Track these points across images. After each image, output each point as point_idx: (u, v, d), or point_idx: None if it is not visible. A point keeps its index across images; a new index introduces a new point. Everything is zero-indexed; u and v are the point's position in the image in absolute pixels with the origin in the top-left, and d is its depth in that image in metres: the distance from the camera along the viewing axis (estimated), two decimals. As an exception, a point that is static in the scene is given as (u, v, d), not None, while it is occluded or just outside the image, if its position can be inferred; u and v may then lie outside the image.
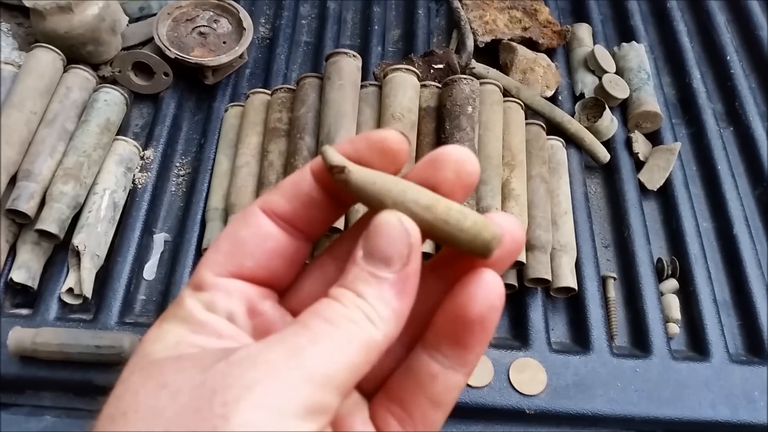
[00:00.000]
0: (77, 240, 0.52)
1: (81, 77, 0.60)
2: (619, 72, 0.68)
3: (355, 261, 0.22)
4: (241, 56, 0.65)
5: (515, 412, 0.48)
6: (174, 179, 0.61)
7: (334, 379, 0.20)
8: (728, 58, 0.73)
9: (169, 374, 0.21)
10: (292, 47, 0.70)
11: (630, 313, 0.56)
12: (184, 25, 0.64)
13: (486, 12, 0.69)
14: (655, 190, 0.62)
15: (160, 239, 0.57)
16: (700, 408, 0.49)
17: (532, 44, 0.68)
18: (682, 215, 0.60)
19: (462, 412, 0.49)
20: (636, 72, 0.68)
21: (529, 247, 0.53)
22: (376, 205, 0.23)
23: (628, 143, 0.64)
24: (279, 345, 0.21)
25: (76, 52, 0.62)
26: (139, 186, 0.58)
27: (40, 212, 0.52)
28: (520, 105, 0.58)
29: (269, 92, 0.58)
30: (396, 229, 0.22)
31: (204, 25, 0.65)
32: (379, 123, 0.53)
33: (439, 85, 0.54)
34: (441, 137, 0.52)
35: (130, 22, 0.68)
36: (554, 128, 0.62)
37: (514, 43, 0.67)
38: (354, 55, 0.54)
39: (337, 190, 0.24)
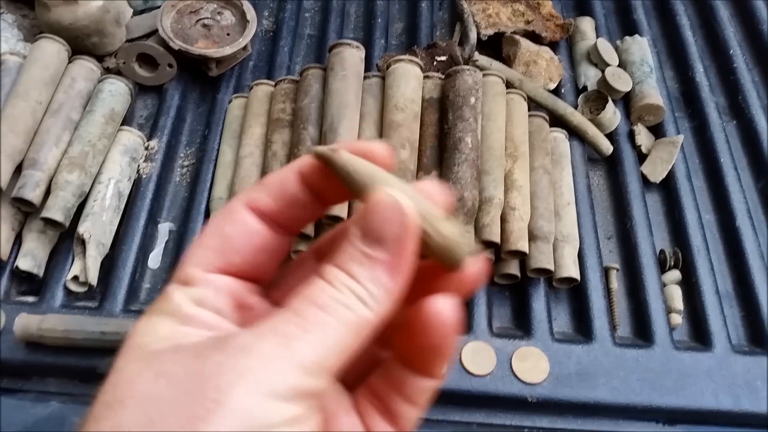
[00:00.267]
0: (82, 228, 0.52)
1: (86, 68, 0.60)
2: (622, 65, 0.68)
3: (349, 240, 0.23)
4: (244, 48, 0.65)
5: (517, 400, 0.49)
6: (178, 170, 0.61)
7: (324, 364, 0.21)
8: (731, 52, 0.73)
9: (167, 363, 0.21)
10: (296, 40, 0.70)
11: (632, 304, 0.56)
12: (188, 17, 0.65)
13: (489, 5, 0.69)
14: (658, 182, 0.62)
15: (164, 228, 0.57)
16: (702, 397, 0.49)
17: (535, 37, 0.69)
18: (685, 207, 0.60)
19: (464, 400, 0.49)
20: (639, 65, 0.68)
21: (532, 237, 0.53)
22: (362, 187, 0.23)
23: (631, 136, 0.64)
24: (271, 334, 0.21)
25: (80, 44, 0.62)
26: (144, 176, 0.58)
27: (46, 201, 0.52)
28: (523, 96, 0.58)
29: (273, 83, 0.59)
30: (392, 209, 0.22)
31: (208, 17, 0.65)
32: (383, 114, 0.53)
33: (442, 76, 0.55)
34: (444, 128, 0.52)
35: (134, 14, 0.68)
36: (557, 120, 0.62)
37: (517, 36, 0.67)
38: (357, 46, 0.55)
39: (321, 188, 0.25)
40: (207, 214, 0.56)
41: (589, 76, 0.68)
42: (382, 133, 0.52)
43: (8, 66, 0.59)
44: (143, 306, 0.53)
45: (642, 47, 0.69)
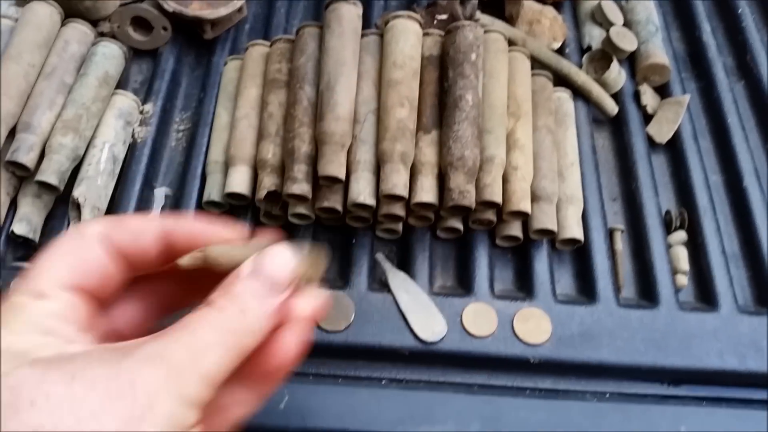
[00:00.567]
0: (77, 192, 0.52)
1: (79, 31, 0.59)
2: (627, 25, 0.67)
3: (240, 277, 0.27)
4: (239, 10, 0.64)
5: (519, 361, 0.48)
6: (174, 134, 0.60)
7: (217, 378, 0.25)
8: (740, 11, 0.71)
9: (77, 366, 0.24)
10: (293, 1, 0.69)
11: (637, 265, 0.55)
12: (182, -21, 0.63)
13: (491, -36, 0.68)
14: (664, 143, 0.61)
15: (160, 193, 0.56)
16: (707, 357, 0.48)
17: (538, -3, 0.67)
18: (691, 168, 0.59)
19: (465, 361, 0.48)
20: (644, 24, 0.66)
21: (535, 198, 0.52)
22: (234, 266, 0.28)
23: (636, 96, 0.63)
24: (178, 346, 0.25)
25: (74, 8, 0.61)
26: (139, 140, 0.57)
27: (40, 165, 0.52)
28: (526, 54, 0.56)
29: (268, 44, 0.57)
30: (287, 257, 0.28)
31: (203, -21, 0.64)
32: (381, 71, 0.52)
33: (443, 33, 0.53)
34: (444, 85, 0.51)
35: (128, -23, 0.67)
36: (561, 80, 0.60)
37: (519, -5, 0.65)
38: (354, 3, 0.53)
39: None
40: (203, 178, 0.55)
41: (594, 35, 0.66)
42: (380, 91, 0.51)
43: (1, 30, 0.57)
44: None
45: (647, 6, 0.68)
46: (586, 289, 0.52)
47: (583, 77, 0.60)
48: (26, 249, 0.53)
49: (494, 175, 0.50)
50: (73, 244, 0.28)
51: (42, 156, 0.52)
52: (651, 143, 0.61)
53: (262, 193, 0.50)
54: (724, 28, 0.72)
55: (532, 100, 0.55)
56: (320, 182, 0.49)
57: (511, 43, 0.57)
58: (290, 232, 0.53)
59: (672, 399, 0.48)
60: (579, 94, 0.61)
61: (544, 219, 0.51)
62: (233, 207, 0.54)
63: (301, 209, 0.51)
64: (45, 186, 0.51)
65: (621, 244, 0.55)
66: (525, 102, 0.54)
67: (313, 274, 0.29)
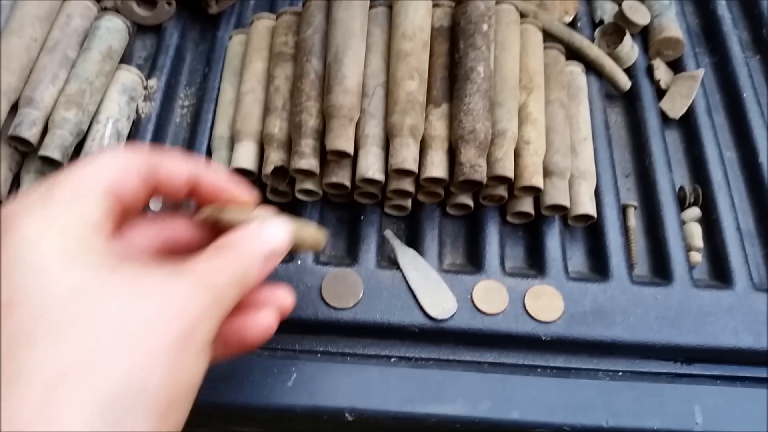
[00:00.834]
0: (81, 168, 0.51)
1: (82, 5, 0.58)
2: (641, -2, 0.65)
3: (247, 233, 0.31)
4: (245, -17, 0.62)
5: (531, 338, 0.47)
6: (178, 110, 0.59)
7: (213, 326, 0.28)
8: (756, -17, 0.69)
9: (133, 278, 0.26)
10: (299, -26, 0.67)
11: (651, 242, 0.54)
12: (186, -49, 0.62)
13: (501, -64, 0.66)
14: (677, 118, 0.60)
15: (165, 170, 0.55)
16: (722, 335, 0.48)
17: (549, -31, 0.65)
18: (705, 143, 0.58)
19: (475, 339, 0.47)
20: (658, -3, 0.64)
21: (547, 173, 0.51)
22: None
23: (650, 71, 0.62)
24: (224, 273, 0.28)
25: (76, -18, 0.60)
26: (143, 116, 0.56)
27: (43, 140, 0.51)
28: (538, 27, 0.55)
29: (274, 17, 0.56)
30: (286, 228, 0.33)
31: (207, -48, 0.62)
32: (390, 44, 0.51)
33: (453, 4, 0.52)
34: (455, 57, 0.50)
35: (130, -50, 0.65)
36: (573, 54, 0.59)
37: (530, -32, 0.63)
38: (363, -27, 0.52)
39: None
40: (208, 154, 0.54)
41: (606, 9, 0.65)
42: (389, 63, 0.50)
43: (1, 2, 0.56)
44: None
45: (661, -21, 0.66)
46: (599, 266, 0.51)
47: (595, 51, 0.59)
48: (30, 226, 0.52)
49: (506, 149, 0.49)
50: (118, 159, 0.30)
51: (45, 131, 0.51)
52: (664, 118, 0.60)
53: (268, 169, 0.49)
54: (739, 1, 0.70)
55: (544, 74, 0.54)
56: (328, 157, 0.48)
57: (522, 16, 0.56)
58: (297, 209, 0.52)
59: (686, 377, 0.48)
60: (591, 68, 0.59)
61: (557, 194, 0.50)
62: (239, 183, 0.53)
63: (309, 185, 0.50)
64: (48, 161, 0.50)
65: (634, 220, 0.54)
66: (537, 75, 0.53)
67: (311, 244, 0.34)
